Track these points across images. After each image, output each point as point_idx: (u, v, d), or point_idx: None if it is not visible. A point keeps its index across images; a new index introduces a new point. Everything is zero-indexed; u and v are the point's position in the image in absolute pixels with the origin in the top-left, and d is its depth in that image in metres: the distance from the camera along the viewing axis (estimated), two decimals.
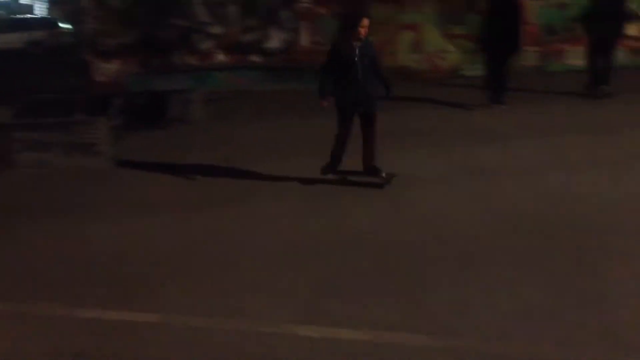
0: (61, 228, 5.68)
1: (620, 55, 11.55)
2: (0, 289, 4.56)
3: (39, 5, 44.08)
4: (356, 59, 6.02)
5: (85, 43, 11.44)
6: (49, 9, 36.65)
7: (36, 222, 5.85)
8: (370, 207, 5.84)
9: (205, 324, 3.94)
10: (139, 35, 11.39)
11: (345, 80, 6.08)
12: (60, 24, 24.56)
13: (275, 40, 13.00)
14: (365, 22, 6.03)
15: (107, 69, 11.06)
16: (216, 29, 12.71)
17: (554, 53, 12.78)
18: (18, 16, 30.53)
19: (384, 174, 6.36)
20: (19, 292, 4.50)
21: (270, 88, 12.52)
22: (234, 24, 12.80)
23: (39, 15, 35.45)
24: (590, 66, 10.22)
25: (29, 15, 33.23)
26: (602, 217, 5.32)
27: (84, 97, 9.48)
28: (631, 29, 11.22)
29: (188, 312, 4.09)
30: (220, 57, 12.67)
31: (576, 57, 12.71)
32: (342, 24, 6.28)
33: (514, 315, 3.87)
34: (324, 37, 12.92)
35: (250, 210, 5.87)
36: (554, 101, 10.26)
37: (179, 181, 6.93)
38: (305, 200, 6.11)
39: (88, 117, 8.11)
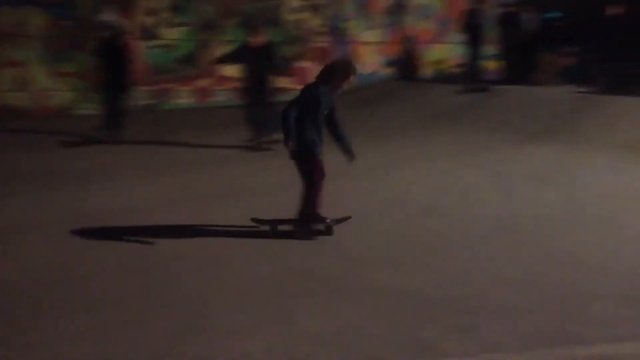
0: None
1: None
2: None
3: None
4: (325, 111, 5.69)
5: None
6: None
7: None
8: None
9: None
10: None
11: (314, 126, 5.69)
12: None
13: None
14: (353, 78, 5.81)
15: None
16: None
17: (163, 92, 13.45)
18: None
19: (328, 220, 5.91)
20: None
21: None
22: None
23: None
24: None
25: None
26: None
27: None
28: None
29: None
30: None
31: (185, 96, 13.61)
32: (328, 74, 5.75)
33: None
34: None
35: None
36: (170, 138, 10.73)
37: None
38: None
39: None
